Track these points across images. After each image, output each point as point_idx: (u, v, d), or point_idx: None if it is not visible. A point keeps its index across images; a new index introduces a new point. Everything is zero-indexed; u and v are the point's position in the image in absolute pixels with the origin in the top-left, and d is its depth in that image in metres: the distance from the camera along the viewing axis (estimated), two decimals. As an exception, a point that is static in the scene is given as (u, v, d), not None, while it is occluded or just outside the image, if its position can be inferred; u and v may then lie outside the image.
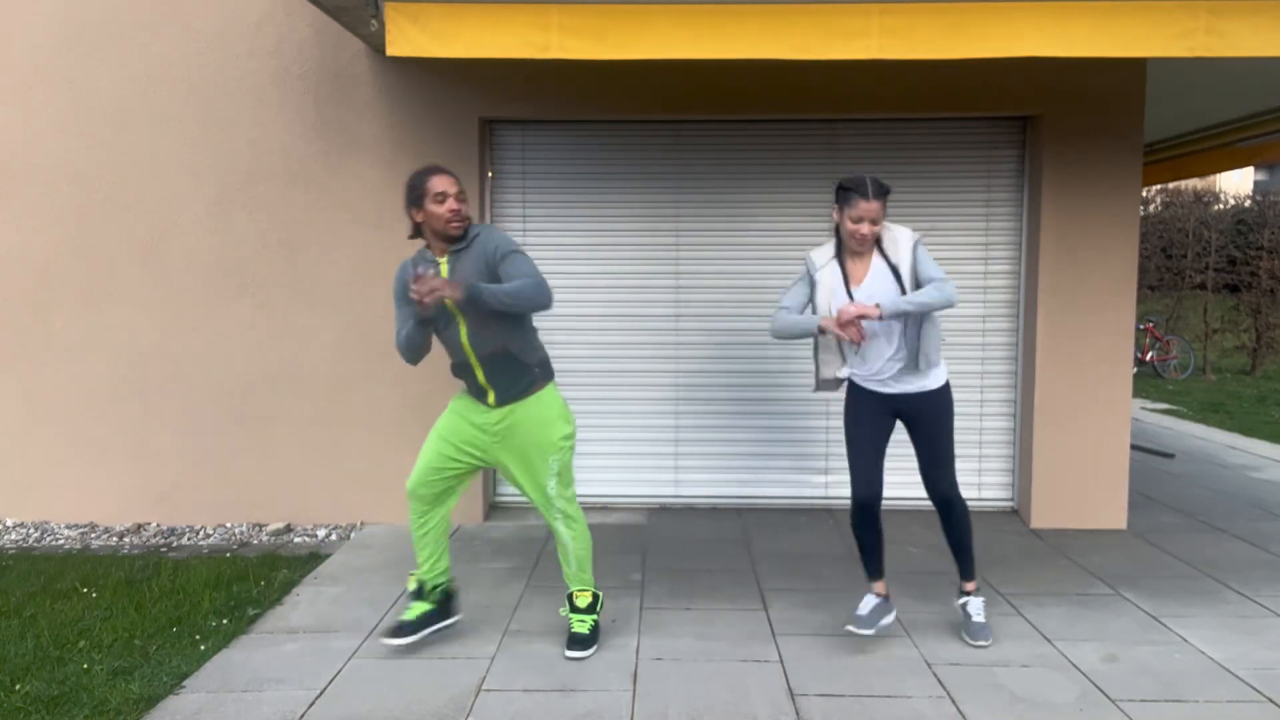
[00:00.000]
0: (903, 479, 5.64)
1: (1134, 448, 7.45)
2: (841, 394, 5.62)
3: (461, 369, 3.52)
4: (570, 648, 3.58)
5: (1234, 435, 8.28)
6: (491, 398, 3.51)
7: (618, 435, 5.70)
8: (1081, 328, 5.25)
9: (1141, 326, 12.76)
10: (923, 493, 5.62)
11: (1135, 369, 12.56)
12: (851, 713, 3.15)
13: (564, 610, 3.70)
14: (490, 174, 5.53)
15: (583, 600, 3.65)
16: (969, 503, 5.65)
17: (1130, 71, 5.11)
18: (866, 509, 3.64)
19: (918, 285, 3.49)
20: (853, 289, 3.54)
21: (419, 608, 3.65)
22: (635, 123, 5.53)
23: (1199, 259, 13.88)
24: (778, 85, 5.22)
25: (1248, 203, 17.16)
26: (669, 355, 5.66)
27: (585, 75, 5.22)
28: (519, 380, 3.49)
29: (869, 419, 3.64)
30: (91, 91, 5.26)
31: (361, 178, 5.26)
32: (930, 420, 3.60)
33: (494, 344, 3.41)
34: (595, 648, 3.62)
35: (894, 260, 3.52)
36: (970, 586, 3.77)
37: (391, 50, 3.65)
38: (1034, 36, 3.59)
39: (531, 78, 5.22)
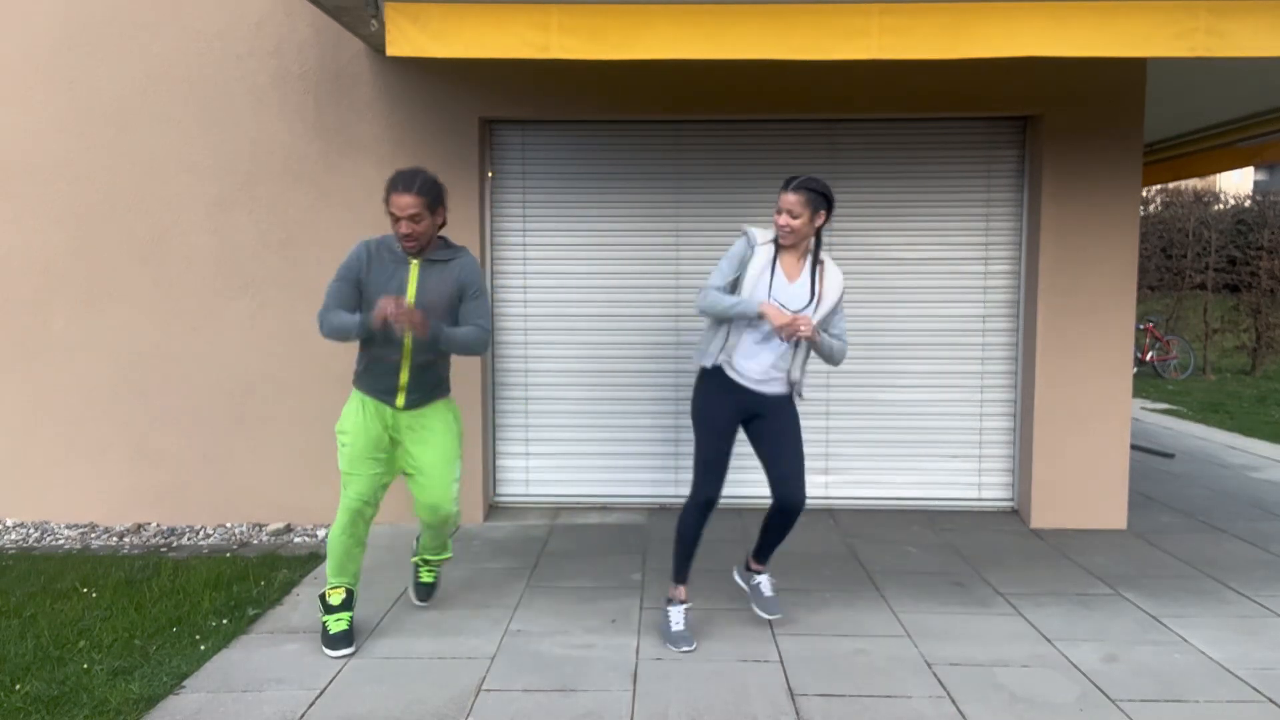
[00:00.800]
0: (902, 479, 5.65)
1: (1134, 448, 7.45)
2: (843, 395, 5.62)
3: (386, 368, 3.53)
4: (422, 599, 4.03)
5: (1234, 435, 8.28)
6: (400, 400, 3.58)
7: (618, 435, 5.70)
8: (1081, 328, 5.25)
9: (1141, 326, 12.76)
10: (921, 493, 5.64)
11: (1135, 369, 12.56)
12: (851, 713, 3.15)
13: (420, 571, 4.03)
14: (490, 174, 5.53)
15: (443, 556, 4.02)
16: (969, 503, 5.66)
17: (1130, 71, 5.11)
18: (708, 509, 3.67)
19: (819, 320, 3.55)
20: (784, 280, 3.55)
21: (348, 616, 3.69)
22: (635, 123, 5.53)
23: (1199, 259, 13.88)
24: (778, 85, 5.22)
25: (1248, 203, 17.16)
26: (669, 355, 5.66)
27: (585, 75, 5.22)
28: (433, 390, 3.64)
29: (727, 417, 3.61)
30: (91, 91, 5.26)
31: (361, 178, 5.26)
32: (789, 420, 3.64)
33: (430, 355, 3.55)
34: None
35: (822, 287, 3.57)
36: (762, 568, 3.90)
37: (391, 50, 3.65)
38: (1034, 36, 3.59)
39: (531, 78, 5.22)
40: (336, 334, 3.45)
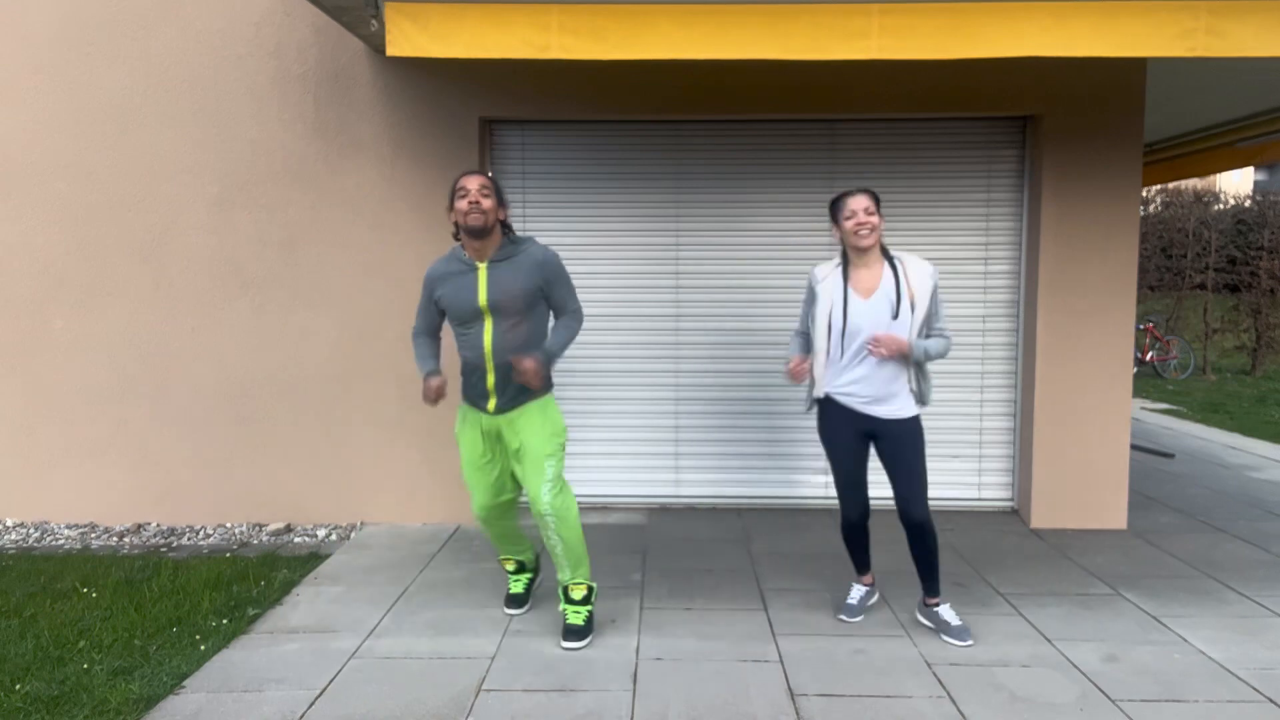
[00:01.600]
0: (903, 479, 5.64)
1: (1134, 448, 7.45)
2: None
3: (473, 370, 3.62)
4: (565, 638, 3.68)
5: (1234, 435, 8.28)
6: (492, 404, 3.62)
7: (618, 435, 5.70)
8: (1081, 328, 5.25)
9: (1141, 326, 12.76)
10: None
11: (1135, 369, 12.56)
12: (851, 713, 3.15)
13: (561, 605, 3.81)
14: (490, 174, 5.53)
15: (578, 593, 3.76)
16: (969, 502, 5.66)
17: (1130, 71, 5.11)
18: (858, 526, 3.85)
19: (922, 320, 3.57)
20: (859, 299, 3.60)
21: (524, 578, 4.06)
22: (635, 123, 5.53)
23: (1199, 259, 13.88)
24: (778, 85, 5.22)
25: (1248, 203, 17.15)
26: (669, 355, 5.66)
27: (585, 75, 5.22)
28: (524, 391, 3.62)
29: (845, 438, 3.71)
30: (91, 91, 5.26)
31: (361, 178, 5.26)
32: (905, 441, 3.63)
33: (513, 354, 3.55)
34: (590, 638, 3.73)
35: (909, 284, 3.57)
36: (934, 600, 3.82)
37: (391, 50, 3.65)
38: (1034, 36, 3.59)
39: (531, 78, 5.22)
40: (417, 363, 3.77)
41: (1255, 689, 3.33)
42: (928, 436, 5.62)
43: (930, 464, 5.64)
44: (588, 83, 5.23)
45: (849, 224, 3.55)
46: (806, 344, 3.79)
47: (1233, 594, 4.29)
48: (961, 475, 5.64)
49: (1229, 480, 6.54)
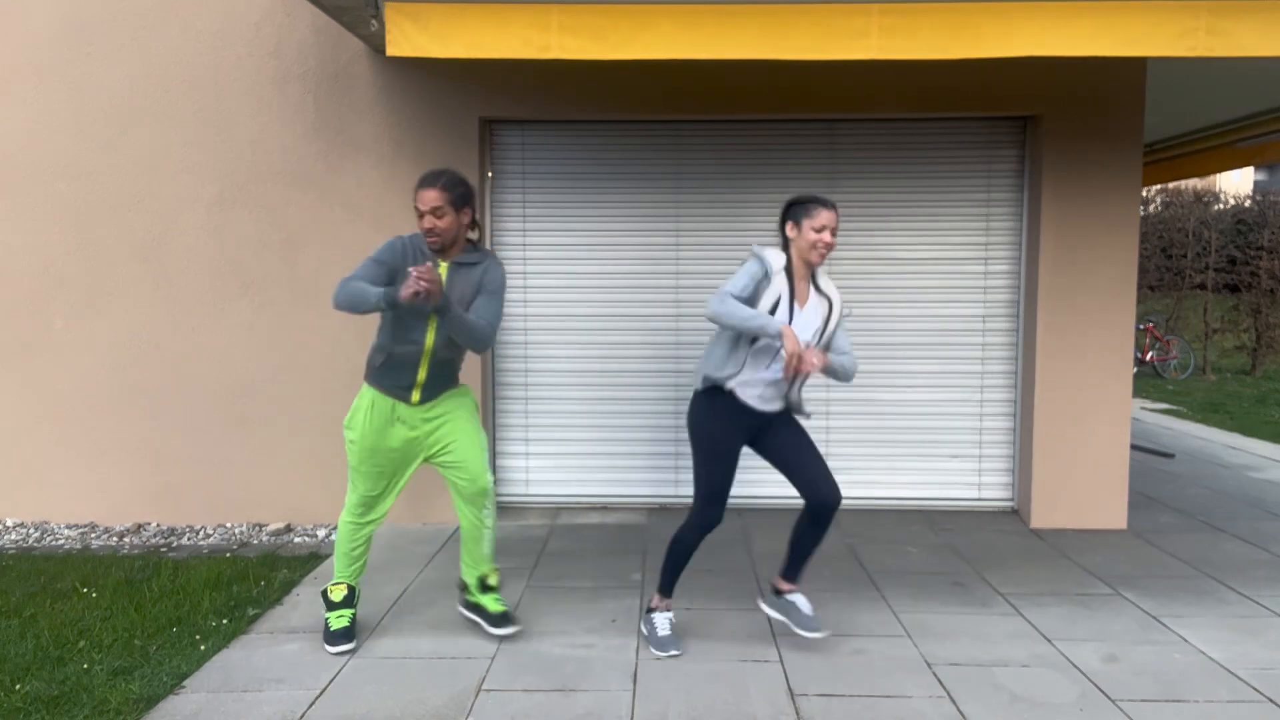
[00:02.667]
0: (902, 479, 5.65)
1: (1134, 448, 7.45)
2: (843, 395, 5.62)
3: (403, 363, 3.51)
4: (499, 625, 3.73)
5: (1234, 435, 8.28)
6: (415, 396, 3.59)
7: (618, 435, 5.70)
8: (1081, 328, 5.25)
9: (1141, 326, 12.77)
10: (921, 493, 5.64)
11: (1135, 369, 12.56)
12: (851, 713, 3.15)
13: (473, 595, 3.82)
14: (490, 174, 5.53)
15: (495, 579, 3.83)
16: (969, 502, 5.66)
17: (1130, 71, 5.11)
18: (709, 530, 3.55)
19: (828, 335, 3.51)
20: (797, 309, 3.46)
21: (349, 614, 3.73)
22: (635, 123, 5.53)
23: (1199, 259, 13.88)
24: (778, 85, 5.22)
25: (1248, 203, 17.15)
26: (669, 355, 5.66)
27: (585, 75, 5.22)
28: (447, 384, 3.66)
29: (734, 441, 3.49)
30: (91, 91, 5.26)
31: (361, 178, 5.26)
32: (795, 425, 3.55)
33: (451, 353, 3.59)
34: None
35: (830, 302, 3.51)
36: (793, 587, 3.69)
37: (391, 50, 3.65)
38: (1034, 36, 3.59)
39: (531, 78, 5.22)
40: (352, 300, 3.32)
41: (1255, 689, 3.33)
42: (928, 436, 5.62)
43: (930, 464, 5.64)
44: (588, 83, 5.23)
45: (813, 236, 3.36)
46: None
47: (1233, 594, 4.29)
48: (961, 475, 5.64)
49: (1229, 480, 6.54)
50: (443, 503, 5.39)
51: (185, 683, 3.38)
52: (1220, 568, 4.65)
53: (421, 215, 3.42)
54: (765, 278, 3.39)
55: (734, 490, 5.70)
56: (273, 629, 3.87)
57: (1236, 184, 24.20)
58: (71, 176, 5.30)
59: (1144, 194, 16.66)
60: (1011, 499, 5.66)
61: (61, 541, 5.16)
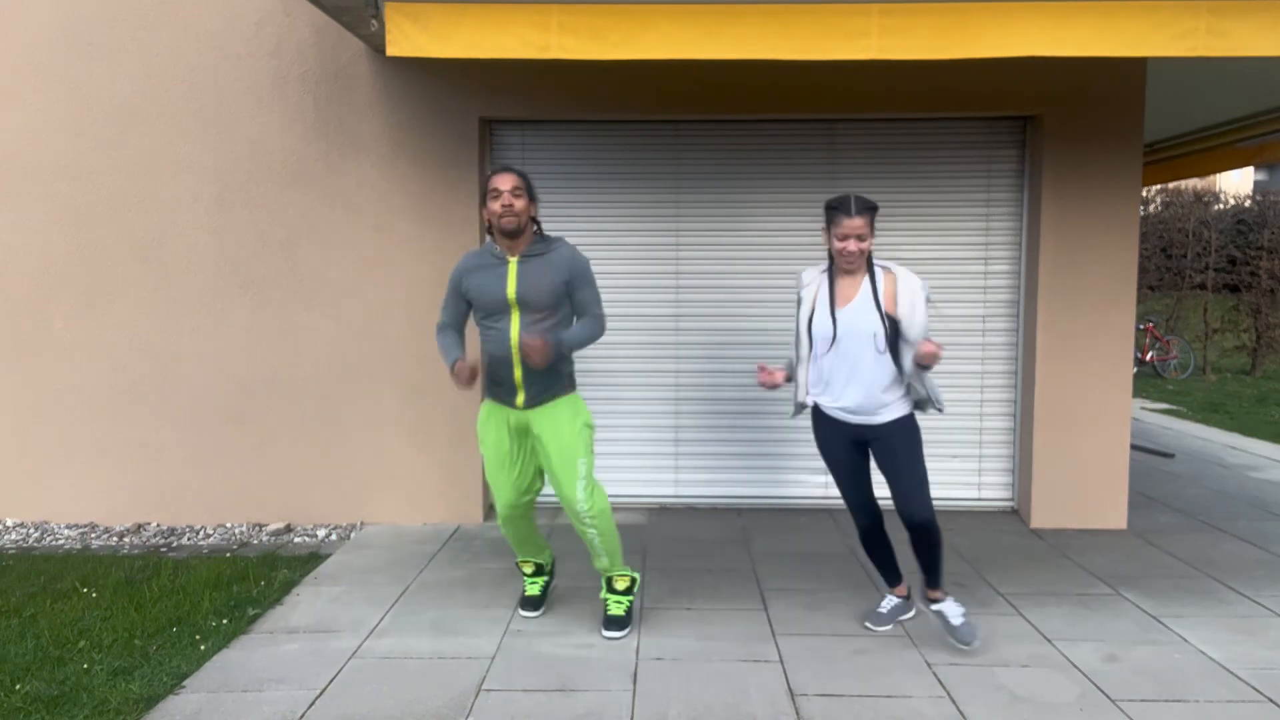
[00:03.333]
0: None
1: (1134, 448, 7.45)
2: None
3: (499, 365, 3.61)
4: (607, 628, 3.76)
5: (1234, 435, 8.28)
6: (520, 399, 3.61)
7: (618, 435, 5.70)
8: (1081, 328, 5.25)
9: (1141, 326, 12.76)
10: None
11: (1135, 369, 12.56)
12: (851, 713, 3.15)
13: (602, 593, 3.87)
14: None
15: (621, 583, 3.83)
16: (969, 502, 5.66)
17: (1130, 71, 5.11)
18: (871, 532, 3.76)
19: (898, 327, 3.45)
20: (838, 309, 3.52)
21: (541, 581, 4.04)
22: (635, 123, 5.53)
23: (1199, 259, 13.88)
24: (778, 85, 5.22)
25: (1248, 203, 17.15)
26: (669, 355, 5.66)
27: (585, 75, 5.22)
28: (550, 386, 3.62)
29: (839, 450, 3.65)
30: (92, 91, 5.26)
31: (361, 178, 5.26)
32: (899, 444, 3.52)
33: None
34: (630, 628, 3.83)
35: (887, 297, 3.46)
36: (938, 594, 3.68)
37: (391, 50, 3.65)
38: (1034, 36, 3.59)
39: (531, 78, 5.22)
40: (441, 352, 3.75)
41: (1255, 689, 3.33)
42: (928, 436, 5.62)
43: (930, 464, 5.64)
44: (588, 83, 5.23)
45: (837, 244, 3.45)
46: (791, 362, 3.76)
47: (1233, 594, 4.29)
48: (961, 475, 5.64)
49: (1229, 480, 6.54)
50: (443, 502, 5.39)
51: (185, 683, 3.38)
52: (1220, 568, 4.65)
53: (499, 195, 3.51)
54: (800, 299, 3.63)
55: (734, 490, 5.70)
56: (273, 629, 3.87)
57: (1236, 184, 24.19)
58: (71, 176, 5.30)
59: (1144, 194, 16.66)
60: (1011, 499, 5.66)
61: (61, 541, 5.16)
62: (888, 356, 3.48)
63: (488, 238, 3.74)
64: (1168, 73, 5.48)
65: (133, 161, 5.28)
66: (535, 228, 3.66)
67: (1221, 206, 17.01)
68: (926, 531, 3.52)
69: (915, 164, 5.52)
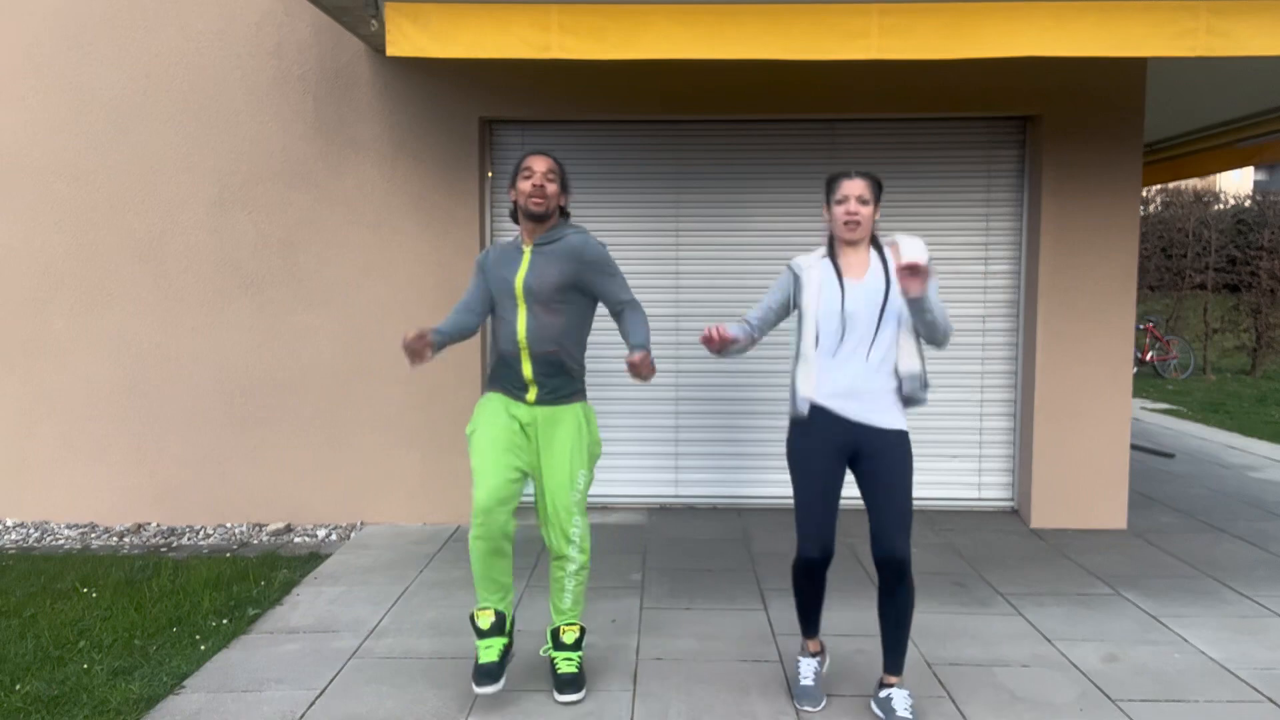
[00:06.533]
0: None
1: (1134, 448, 7.45)
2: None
3: (509, 359, 3.33)
4: (561, 691, 3.24)
5: (1234, 435, 8.28)
6: (532, 394, 3.31)
7: (618, 435, 5.70)
8: (1081, 328, 5.25)
9: (1141, 326, 12.76)
10: (921, 493, 5.64)
11: (1135, 369, 12.56)
12: (852, 713, 3.15)
13: (546, 649, 3.43)
14: (490, 174, 5.53)
15: (570, 636, 3.34)
16: (969, 503, 5.65)
17: (1130, 71, 5.11)
18: (817, 568, 3.14)
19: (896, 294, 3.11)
20: (852, 283, 3.10)
21: (499, 643, 3.26)
22: (635, 123, 5.53)
23: (1199, 259, 13.88)
24: (778, 85, 5.22)
25: (1248, 203, 17.15)
26: (669, 355, 5.66)
27: (585, 75, 5.22)
28: (563, 386, 3.33)
29: (825, 459, 3.10)
30: (92, 92, 5.26)
31: (361, 178, 5.26)
32: (893, 461, 3.06)
33: (549, 345, 3.30)
34: (585, 689, 3.31)
35: (899, 257, 3.05)
36: (894, 680, 3.13)
37: (391, 50, 3.65)
38: (1034, 36, 3.59)
39: (531, 78, 5.22)
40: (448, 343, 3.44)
41: (1255, 689, 3.33)
42: (928, 436, 5.62)
43: (930, 464, 5.64)
44: (588, 83, 5.23)
45: (838, 210, 3.09)
46: (750, 332, 3.27)
47: (1233, 594, 4.29)
48: (961, 475, 5.64)
49: (1229, 480, 6.54)
50: (443, 503, 5.39)
51: (185, 683, 3.38)
52: (1220, 568, 4.65)
53: (531, 174, 3.26)
54: (797, 279, 3.20)
55: (734, 490, 5.71)
56: (273, 629, 3.87)
57: (1236, 184, 24.18)
58: (71, 177, 5.30)
59: (1144, 194, 16.66)
60: (1011, 499, 5.66)
61: (61, 541, 5.16)
62: (893, 337, 3.10)
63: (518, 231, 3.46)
64: (1168, 73, 5.48)
65: (133, 161, 5.28)
66: (562, 218, 3.41)
67: (1221, 206, 17.01)
68: (901, 575, 3.01)
69: (915, 164, 5.52)
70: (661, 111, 5.26)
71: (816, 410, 3.13)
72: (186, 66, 5.23)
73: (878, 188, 3.13)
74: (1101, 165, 5.17)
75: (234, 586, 4.32)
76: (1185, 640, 3.75)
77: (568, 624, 3.33)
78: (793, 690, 3.30)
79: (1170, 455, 7.29)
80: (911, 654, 3.61)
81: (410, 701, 3.23)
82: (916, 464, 5.64)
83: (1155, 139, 7.95)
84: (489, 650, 3.22)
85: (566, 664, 3.28)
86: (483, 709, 3.17)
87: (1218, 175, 19.56)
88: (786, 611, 4.03)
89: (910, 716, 3.03)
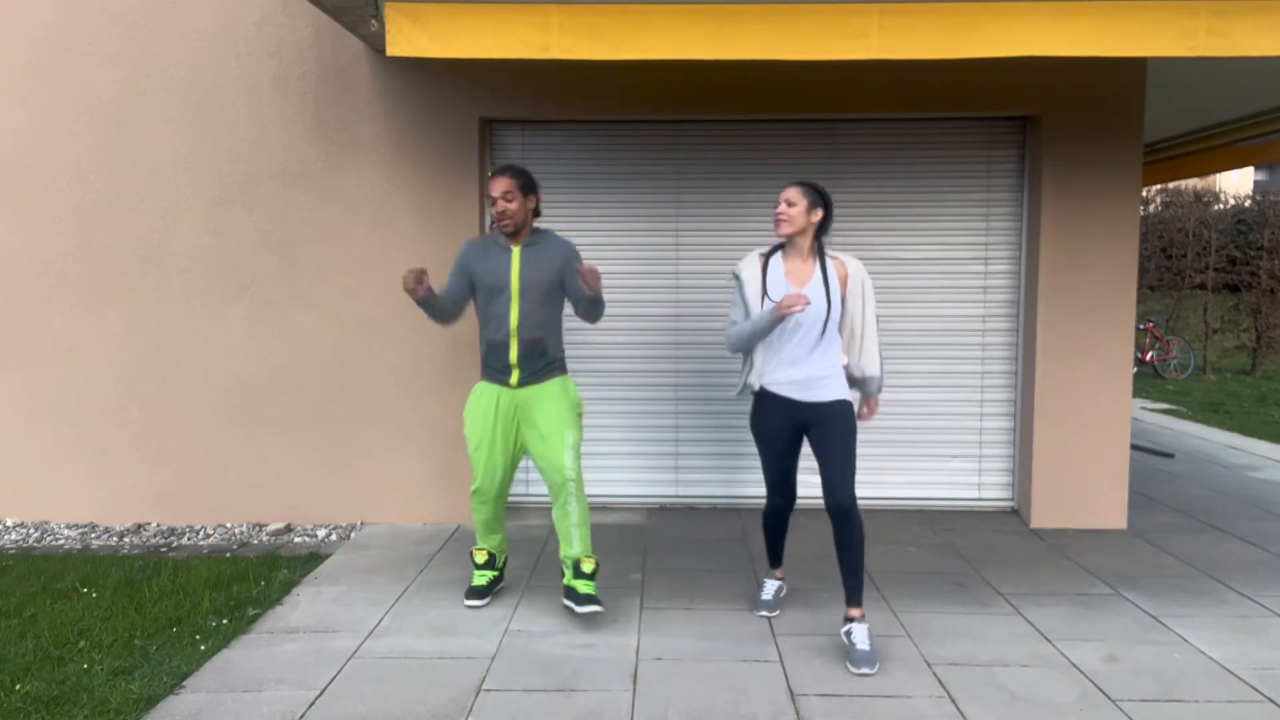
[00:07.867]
0: (902, 479, 5.65)
1: (1134, 448, 7.45)
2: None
3: (497, 346, 3.87)
4: (583, 604, 3.81)
5: (1234, 435, 8.28)
6: (514, 378, 3.87)
7: (618, 435, 5.70)
8: (1081, 328, 5.25)
9: (1141, 326, 12.76)
10: (921, 493, 5.64)
11: (1135, 369, 12.56)
12: (851, 712, 3.15)
13: (567, 578, 3.95)
14: (490, 174, 5.52)
15: (589, 565, 3.92)
16: (969, 503, 5.66)
17: (1130, 71, 5.11)
18: (781, 513, 3.90)
19: (844, 316, 3.66)
20: (780, 282, 3.63)
21: (489, 575, 4.17)
22: (635, 123, 5.53)
23: (1199, 259, 13.88)
24: (778, 85, 5.22)
25: (1248, 203, 17.14)
26: (669, 355, 5.66)
27: (585, 75, 5.22)
28: (543, 368, 3.89)
29: (781, 434, 3.70)
30: (91, 91, 5.26)
31: (361, 178, 5.26)
32: (835, 425, 3.58)
33: (535, 332, 3.84)
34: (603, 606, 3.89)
35: (843, 277, 3.65)
36: (856, 613, 3.55)
37: (391, 50, 3.65)
38: (1034, 36, 3.59)
39: (531, 78, 5.22)
40: (432, 312, 3.91)
41: (1255, 689, 3.33)
42: (928, 436, 5.62)
43: (930, 464, 5.64)
44: (588, 83, 5.23)
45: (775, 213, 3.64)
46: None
47: (1233, 594, 4.29)
48: (961, 475, 5.64)
49: (1229, 480, 6.54)
50: (442, 502, 5.39)
51: (185, 683, 3.38)
52: (1220, 568, 4.65)
53: (494, 201, 3.79)
54: (739, 283, 3.69)
55: (734, 490, 5.71)
56: (273, 629, 3.87)
57: (1236, 184, 24.18)
58: (71, 177, 5.30)
59: (1144, 194, 16.66)
60: (1011, 499, 5.66)
61: (61, 541, 5.16)
62: (835, 336, 3.63)
63: (491, 227, 3.97)
64: (1168, 73, 5.48)
65: (133, 161, 5.28)
66: (536, 217, 3.94)
67: (1221, 206, 17.01)
68: (847, 516, 3.51)
69: (915, 164, 5.52)
70: (661, 111, 5.26)
71: (767, 394, 3.69)
72: (186, 66, 5.23)
73: (815, 195, 3.60)
74: (1101, 165, 5.17)
75: (234, 586, 4.32)
76: (1185, 640, 3.75)
77: (587, 556, 3.92)
78: (755, 603, 4.05)
79: (1170, 455, 7.29)
80: (911, 654, 3.61)
81: (410, 701, 3.23)
82: (916, 464, 5.64)
83: (1155, 139, 7.95)
84: (480, 578, 4.15)
85: (586, 587, 3.89)
86: (483, 710, 3.18)
87: (1218, 175, 19.56)
88: (786, 611, 4.03)
89: (868, 648, 3.47)
